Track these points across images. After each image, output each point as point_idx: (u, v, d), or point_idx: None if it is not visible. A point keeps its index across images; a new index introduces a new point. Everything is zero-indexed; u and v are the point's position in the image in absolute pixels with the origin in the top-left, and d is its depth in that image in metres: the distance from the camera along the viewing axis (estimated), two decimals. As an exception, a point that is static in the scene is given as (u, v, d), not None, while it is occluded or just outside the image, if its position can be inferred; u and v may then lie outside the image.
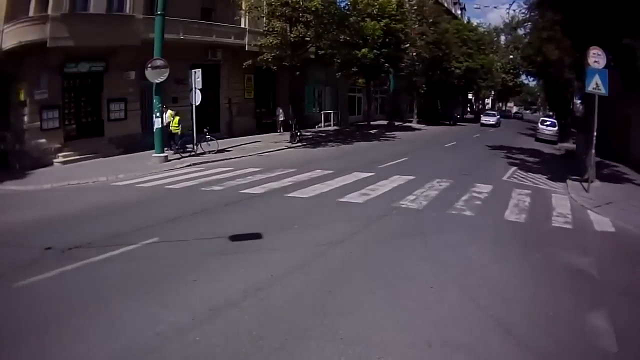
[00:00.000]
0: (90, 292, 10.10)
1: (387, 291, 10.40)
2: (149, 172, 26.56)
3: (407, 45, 59.75)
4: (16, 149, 30.29)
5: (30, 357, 7.62)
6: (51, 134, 30.06)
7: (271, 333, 8.40)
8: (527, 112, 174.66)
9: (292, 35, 37.97)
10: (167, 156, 29.78)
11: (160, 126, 29.32)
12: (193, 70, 32.62)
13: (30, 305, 9.47)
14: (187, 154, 31.76)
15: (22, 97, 29.61)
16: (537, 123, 64.33)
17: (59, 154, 30.10)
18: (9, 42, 28.46)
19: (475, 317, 9.16)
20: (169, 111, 31.62)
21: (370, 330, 8.58)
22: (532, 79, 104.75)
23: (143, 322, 8.74)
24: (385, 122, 67.27)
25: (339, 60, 49.72)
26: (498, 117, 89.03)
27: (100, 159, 30.66)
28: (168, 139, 31.55)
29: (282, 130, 47.11)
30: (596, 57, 21.38)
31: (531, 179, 25.84)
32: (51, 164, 29.58)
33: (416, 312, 9.35)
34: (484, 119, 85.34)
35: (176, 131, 31.73)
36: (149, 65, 28.79)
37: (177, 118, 31.38)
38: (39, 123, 29.58)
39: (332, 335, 8.37)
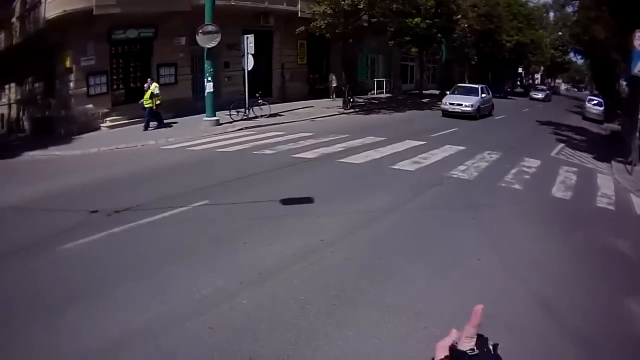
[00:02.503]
0: (136, 255, 10.11)
1: (434, 261, 10.33)
2: (199, 135, 26.61)
3: (458, 17, 59.00)
4: (62, 115, 30.48)
5: (75, 321, 7.55)
6: (98, 99, 30.30)
7: (319, 298, 8.33)
8: (575, 89, 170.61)
9: (345, 3, 37.54)
10: (218, 120, 29.74)
11: (211, 90, 29.22)
12: (245, 36, 32.43)
13: (75, 268, 9.49)
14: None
15: (67, 64, 29.79)
16: (583, 101, 62.77)
17: (107, 119, 30.26)
18: (52, 12, 28.47)
19: (517, 293, 9.09)
20: (154, 84, 29.60)
21: (417, 299, 8.53)
22: (579, 57, 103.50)
23: (190, 285, 8.68)
24: (437, 92, 66.69)
25: (391, 29, 48.95)
26: (482, 97, 41.70)
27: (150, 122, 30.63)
28: (148, 116, 29.55)
29: (334, 97, 46.83)
30: (642, 40, 20.91)
31: (578, 157, 25.57)
32: (98, 128, 29.84)
33: (461, 283, 9.28)
34: (450, 102, 40.21)
35: (148, 106, 29.27)
36: (200, 31, 28.67)
37: (149, 92, 29.15)
38: (85, 89, 29.78)
39: (380, 303, 8.30)
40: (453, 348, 1.81)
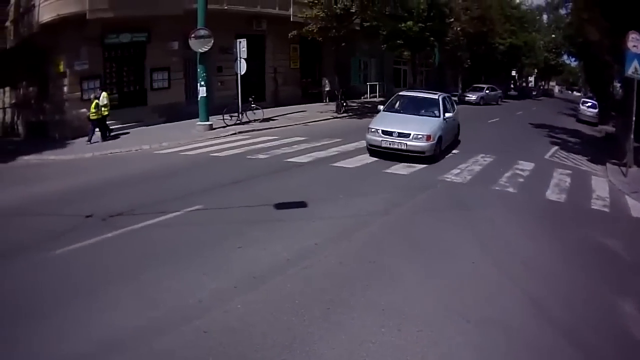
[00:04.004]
0: (130, 260, 10.11)
1: (428, 264, 10.37)
2: (193, 140, 26.53)
3: (451, 20, 58.94)
4: (56, 120, 30.46)
5: (66, 325, 7.58)
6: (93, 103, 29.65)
7: (313, 302, 8.36)
8: (569, 91, 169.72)
9: (337, 7, 37.51)
10: (212, 124, 29.66)
11: (204, 95, 29.29)
12: (238, 40, 32.50)
13: (67, 273, 9.49)
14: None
15: (61, 68, 29.86)
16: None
17: (100, 124, 29.96)
18: (46, 16, 28.60)
19: (512, 295, 9.15)
20: (103, 93, 28.54)
21: (411, 303, 8.55)
22: (573, 59, 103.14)
23: (184, 290, 8.71)
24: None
25: (384, 33, 49.14)
26: (445, 118, 22.73)
27: (143, 127, 30.63)
28: (94, 126, 27.80)
29: (327, 101, 46.83)
30: (635, 42, 20.91)
31: (572, 160, 25.49)
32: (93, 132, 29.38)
33: (456, 286, 9.33)
34: (386, 130, 21.04)
35: (94, 117, 27.60)
36: (193, 35, 28.68)
37: (94, 102, 27.62)
38: (79, 93, 29.74)
39: (374, 306, 8.34)
40: None
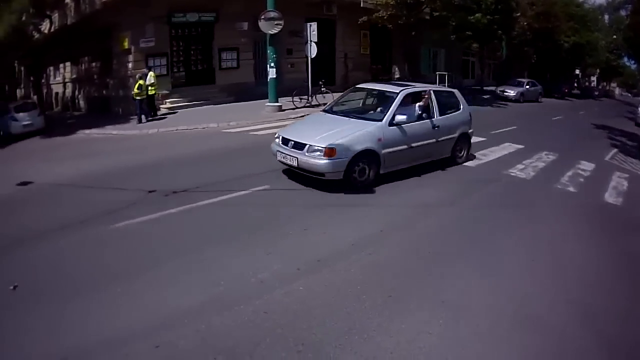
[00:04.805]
0: (192, 236, 10.19)
1: (488, 259, 10.27)
2: (261, 120, 26.51)
3: (518, 14, 58.36)
4: (119, 95, 30.88)
5: (122, 299, 7.71)
6: (158, 81, 29.91)
7: (375, 289, 8.33)
8: (629, 94, 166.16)
9: (407, -5, 37.32)
10: (281, 106, 29.66)
11: (274, 76, 29.28)
12: (308, 24, 32.46)
13: (127, 247, 9.65)
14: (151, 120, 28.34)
15: (126, 45, 30.46)
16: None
17: (166, 100, 30.48)
18: (109, -6, 28.93)
19: (559, 297, 9.00)
20: (150, 73, 28.97)
21: (470, 297, 8.56)
22: (632, 61, 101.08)
23: (246, 269, 8.73)
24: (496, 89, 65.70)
25: (453, 23, 48.91)
26: (398, 122, 14.61)
27: (211, 106, 30.95)
28: (139, 106, 27.68)
29: (397, 88, 46.31)
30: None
31: (630, 163, 24.78)
32: (158, 110, 29.96)
33: (514, 284, 9.25)
34: (286, 137, 14.39)
35: (139, 97, 27.47)
36: (263, 17, 28.73)
37: (139, 82, 27.45)
38: (145, 70, 29.62)
39: (434, 298, 8.35)
40: None
